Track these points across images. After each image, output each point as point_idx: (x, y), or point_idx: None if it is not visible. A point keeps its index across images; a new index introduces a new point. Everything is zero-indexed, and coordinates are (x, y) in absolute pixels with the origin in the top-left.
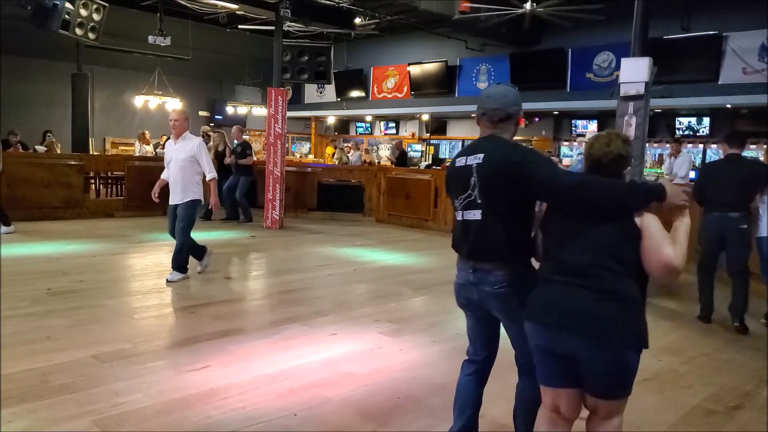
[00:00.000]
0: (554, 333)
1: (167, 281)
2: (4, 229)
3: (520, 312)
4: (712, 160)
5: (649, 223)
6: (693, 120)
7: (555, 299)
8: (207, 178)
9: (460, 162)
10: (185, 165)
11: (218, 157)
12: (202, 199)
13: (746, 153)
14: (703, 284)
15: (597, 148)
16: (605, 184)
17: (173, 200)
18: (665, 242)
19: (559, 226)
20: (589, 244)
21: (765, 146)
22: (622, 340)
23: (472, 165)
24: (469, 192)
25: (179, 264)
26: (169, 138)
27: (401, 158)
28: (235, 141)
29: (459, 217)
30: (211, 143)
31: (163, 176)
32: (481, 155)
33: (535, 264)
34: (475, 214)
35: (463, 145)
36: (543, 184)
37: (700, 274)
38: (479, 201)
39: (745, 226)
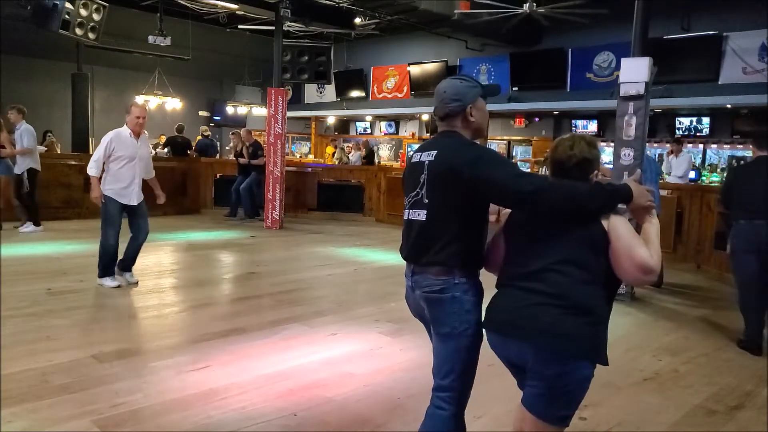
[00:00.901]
0: (502, 338)
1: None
2: (31, 227)
3: (454, 326)
4: (741, 162)
5: (617, 225)
6: (693, 119)
7: (504, 303)
8: (151, 177)
9: (416, 158)
10: (143, 163)
11: (238, 158)
12: None
13: (746, 153)
14: (747, 303)
15: (560, 151)
16: (568, 188)
17: (132, 200)
18: (637, 243)
19: (521, 231)
20: (547, 249)
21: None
22: (565, 347)
23: (425, 162)
24: (417, 190)
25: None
26: (121, 133)
27: (369, 157)
28: (247, 143)
29: (405, 216)
30: (231, 144)
31: (97, 173)
32: (435, 152)
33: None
34: (420, 215)
35: None
36: (500, 188)
37: (743, 291)
38: (426, 201)
39: None
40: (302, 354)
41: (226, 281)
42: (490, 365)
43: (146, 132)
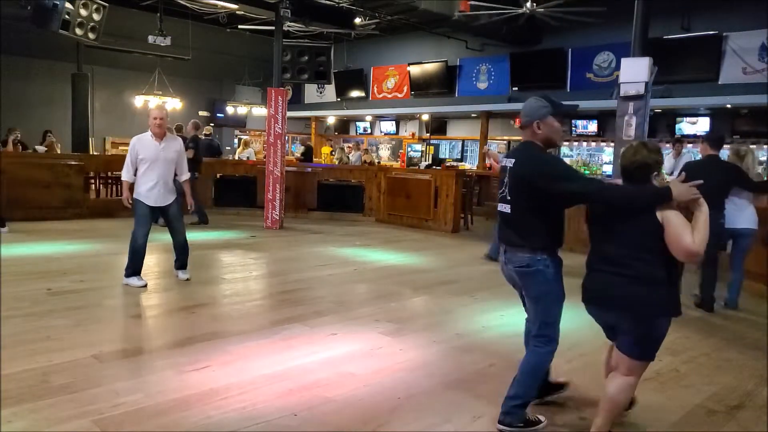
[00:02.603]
0: (603, 311)
1: (187, 279)
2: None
3: (541, 291)
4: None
5: (669, 217)
6: (694, 119)
7: (600, 286)
8: (183, 179)
9: (504, 162)
10: (171, 165)
11: None
12: None
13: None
14: (708, 276)
15: (626, 157)
16: (619, 190)
17: (161, 201)
18: (685, 232)
19: (599, 224)
20: (622, 240)
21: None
22: (650, 311)
23: (508, 167)
24: (503, 189)
25: (186, 260)
26: (143, 137)
27: (306, 154)
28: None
29: (498, 209)
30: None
31: (129, 178)
32: (513, 159)
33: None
34: (506, 208)
35: (463, 145)
36: (562, 191)
37: (705, 267)
38: (509, 198)
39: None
40: (302, 354)
41: (226, 281)
42: (491, 365)
43: (172, 135)
